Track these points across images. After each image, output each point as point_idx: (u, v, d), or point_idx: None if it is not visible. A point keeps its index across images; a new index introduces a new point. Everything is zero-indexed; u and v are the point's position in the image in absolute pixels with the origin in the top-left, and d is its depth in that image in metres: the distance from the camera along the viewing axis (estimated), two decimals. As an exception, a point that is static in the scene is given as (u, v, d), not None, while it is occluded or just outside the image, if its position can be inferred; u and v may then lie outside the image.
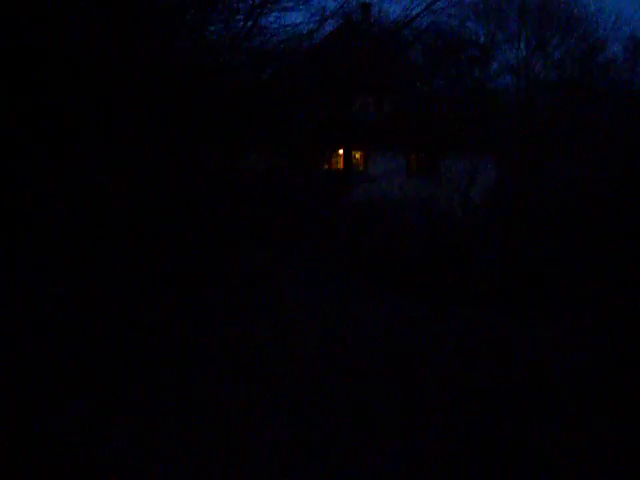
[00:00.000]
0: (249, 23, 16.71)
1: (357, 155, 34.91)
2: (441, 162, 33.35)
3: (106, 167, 12.98)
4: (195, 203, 15.42)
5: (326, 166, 33.69)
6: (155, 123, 13.99)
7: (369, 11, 34.59)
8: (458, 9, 54.16)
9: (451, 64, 53.88)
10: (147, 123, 13.83)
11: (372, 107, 34.92)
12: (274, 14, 16.22)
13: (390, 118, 34.74)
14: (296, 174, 29.24)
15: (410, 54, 49.94)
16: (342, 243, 25.17)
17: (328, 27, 18.44)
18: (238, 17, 16.02)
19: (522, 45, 52.91)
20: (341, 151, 34.32)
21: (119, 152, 13.26)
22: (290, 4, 15.91)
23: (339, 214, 27.46)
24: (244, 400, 10.52)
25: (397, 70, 36.24)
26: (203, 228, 15.52)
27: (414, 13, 17.18)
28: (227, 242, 17.20)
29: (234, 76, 19.32)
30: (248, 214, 21.77)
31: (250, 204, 22.57)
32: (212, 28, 16.07)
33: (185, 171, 15.48)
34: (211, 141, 17.48)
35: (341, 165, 34.35)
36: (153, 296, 12.63)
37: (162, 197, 13.92)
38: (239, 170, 23.87)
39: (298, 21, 16.05)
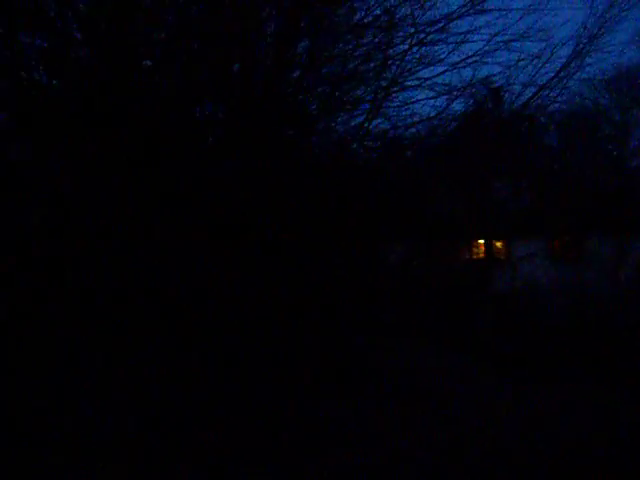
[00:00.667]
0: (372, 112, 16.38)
1: (498, 243, 34.18)
2: (586, 244, 32.28)
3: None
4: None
5: (467, 256, 33.04)
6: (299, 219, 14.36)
7: (499, 94, 34.02)
8: (591, 87, 53.47)
9: (587, 144, 52.81)
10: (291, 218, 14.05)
11: (510, 192, 34.18)
12: (398, 97, 15.85)
13: (529, 202, 33.94)
14: (435, 264, 28.70)
15: (544, 136, 49.08)
16: (485, 335, 24.35)
17: (457, 106, 18.03)
18: (362, 105, 15.72)
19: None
20: (482, 241, 33.71)
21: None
22: (414, 83, 15.60)
23: (481, 304, 26.66)
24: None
25: (532, 152, 35.47)
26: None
27: (545, 94, 16.69)
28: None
29: (363, 168, 19.16)
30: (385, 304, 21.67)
31: (387, 294, 22.49)
32: (338, 119, 15.86)
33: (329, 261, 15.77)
34: (348, 233, 17.38)
35: (482, 254, 33.65)
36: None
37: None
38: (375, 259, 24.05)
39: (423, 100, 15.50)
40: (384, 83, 15.24)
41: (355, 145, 16.21)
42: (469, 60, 15.41)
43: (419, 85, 15.44)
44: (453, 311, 26.24)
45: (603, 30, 15.81)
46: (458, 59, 15.41)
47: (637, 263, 29.72)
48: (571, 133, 53.90)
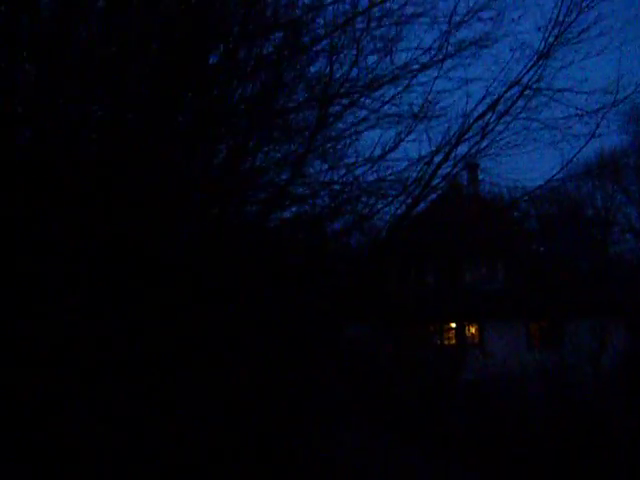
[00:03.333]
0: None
1: (471, 328, 32.14)
2: (565, 330, 30.28)
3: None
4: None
5: (438, 341, 31.06)
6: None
7: (476, 171, 32.13)
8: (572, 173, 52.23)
9: (568, 229, 51.46)
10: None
11: (485, 275, 32.36)
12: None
13: (505, 286, 32.03)
14: (403, 350, 26.92)
15: (524, 221, 47.56)
16: (455, 428, 22.30)
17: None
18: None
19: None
20: (453, 324, 31.73)
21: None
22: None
23: (452, 394, 24.66)
24: None
25: (510, 234, 33.68)
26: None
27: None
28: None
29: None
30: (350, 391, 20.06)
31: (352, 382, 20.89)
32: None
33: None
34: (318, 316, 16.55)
35: (453, 340, 31.66)
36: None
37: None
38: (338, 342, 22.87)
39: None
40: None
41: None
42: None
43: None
44: (423, 402, 24.25)
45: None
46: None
47: (621, 350, 27.71)
48: (552, 218, 52.64)
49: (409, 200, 15.57)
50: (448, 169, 15.08)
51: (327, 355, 19.66)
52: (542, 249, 35.17)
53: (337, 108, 13.25)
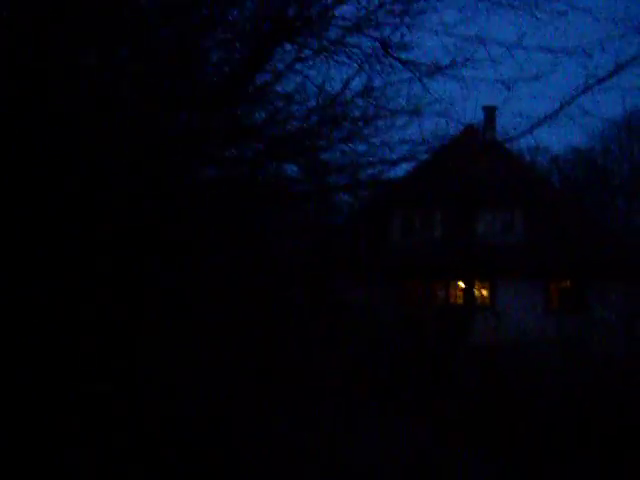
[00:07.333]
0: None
1: (482, 287, 28.56)
2: (590, 293, 26.65)
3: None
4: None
5: (444, 300, 27.66)
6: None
7: (493, 115, 28.48)
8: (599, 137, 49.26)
9: (592, 195, 48.74)
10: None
11: (500, 227, 28.69)
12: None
13: (523, 240, 28.28)
14: (400, 309, 23.82)
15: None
16: (460, 397, 19.10)
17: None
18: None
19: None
20: (461, 282, 28.24)
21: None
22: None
23: (458, 359, 21.46)
24: None
25: (530, 183, 30.01)
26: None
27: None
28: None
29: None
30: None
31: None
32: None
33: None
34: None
35: (461, 299, 28.18)
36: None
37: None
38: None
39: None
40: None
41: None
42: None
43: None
44: (421, 366, 21.15)
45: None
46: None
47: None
48: (576, 183, 49.72)
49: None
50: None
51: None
52: (564, 207, 31.36)
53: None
